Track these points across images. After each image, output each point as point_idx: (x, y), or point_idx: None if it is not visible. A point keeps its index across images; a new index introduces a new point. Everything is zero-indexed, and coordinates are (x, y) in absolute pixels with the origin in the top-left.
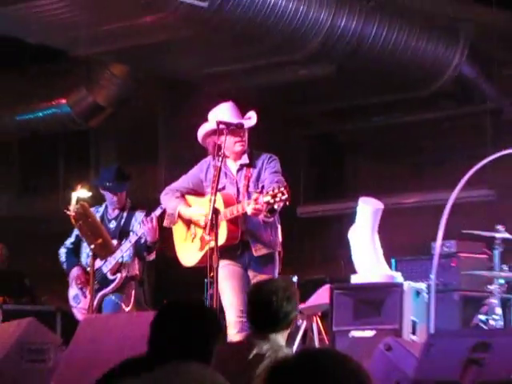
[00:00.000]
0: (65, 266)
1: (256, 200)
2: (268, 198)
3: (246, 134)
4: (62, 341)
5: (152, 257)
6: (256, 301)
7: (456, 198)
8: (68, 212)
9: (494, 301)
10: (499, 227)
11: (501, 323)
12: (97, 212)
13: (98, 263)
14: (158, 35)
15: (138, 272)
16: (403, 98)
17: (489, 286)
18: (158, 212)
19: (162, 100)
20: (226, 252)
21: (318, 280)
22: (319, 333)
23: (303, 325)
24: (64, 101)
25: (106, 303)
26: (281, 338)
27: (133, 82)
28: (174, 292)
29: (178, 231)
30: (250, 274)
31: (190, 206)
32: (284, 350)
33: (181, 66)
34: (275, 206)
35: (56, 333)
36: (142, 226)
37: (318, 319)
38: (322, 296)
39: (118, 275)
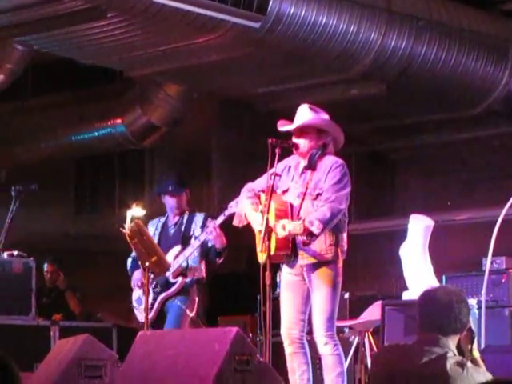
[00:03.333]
0: (129, 272)
1: (283, 226)
2: (290, 228)
3: (310, 136)
4: (118, 357)
5: (221, 260)
6: (433, 302)
7: (506, 215)
8: (123, 230)
9: None
10: None
11: None
12: (159, 222)
13: None
14: (210, 55)
15: (204, 275)
16: (453, 116)
17: None
18: (219, 220)
19: (215, 119)
20: (285, 258)
21: (369, 296)
22: (371, 349)
23: (355, 341)
24: (119, 121)
25: (170, 307)
26: (451, 342)
27: (186, 102)
28: (227, 307)
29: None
30: (306, 282)
31: (257, 210)
32: (455, 359)
33: (233, 86)
34: (296, 237)
35: (112, 349)
36: (205, 232)
37: (370, 335)
38: (373, 312)
39: (180, 279)
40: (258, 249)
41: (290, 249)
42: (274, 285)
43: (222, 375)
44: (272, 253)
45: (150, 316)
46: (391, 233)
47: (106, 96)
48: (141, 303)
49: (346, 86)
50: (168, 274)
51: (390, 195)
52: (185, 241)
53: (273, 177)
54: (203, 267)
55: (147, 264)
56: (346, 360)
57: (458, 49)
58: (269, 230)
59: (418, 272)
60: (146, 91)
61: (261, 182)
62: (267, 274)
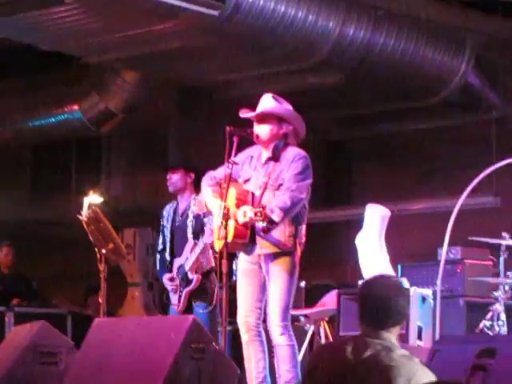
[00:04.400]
0: (159, 273)
1: (244, 213)
2: (251, 214)
3: (271, 125)
4: (73, 344)
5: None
6: (370, 296)
7: (462, 205)
8: (80, 217)
9: (499, 307)
10: (505, 234)
11: (505, 329)
12: (171, 206)
13: (181, 260)
14: (169, 43)
15: (213, 264)
16: (410, 106)
17: (494, 293)
18: (208, 240)
19: (172, 106)
20: (243, 246)
21: (325, 285)
22: (326, 337)
23: (310, 329)
24: (76, 107)
25: (195, 313)
26: (393, 336)
27: (144, 89)
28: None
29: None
30: (263, 272)
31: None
32: (398, 351)
33: (192, 73)
34: (256, 223)
35: (67, 336)
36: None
37: (325, 324)
38: (329, 301)
39: (195, 276)
40: (215, 237)
41: (248, 237)
42: (231, 273)
43: (177, 363)
44: (229, 240)
45: (179, 309)
46: (348, 222)
47: (63, 82)
48: (171, 301)
49: (305, 74)
50: (187, 268)
51: (347, 184)
52: (196, 235)
53: (230, 165)
54: (211, 256)
55: (104, 251)
56: (301, 348)
57: (416, 39)
58: (226, 218)
59: (374, 261)
60: (103, 78)
61: (222, 171)
62: (224, 261)
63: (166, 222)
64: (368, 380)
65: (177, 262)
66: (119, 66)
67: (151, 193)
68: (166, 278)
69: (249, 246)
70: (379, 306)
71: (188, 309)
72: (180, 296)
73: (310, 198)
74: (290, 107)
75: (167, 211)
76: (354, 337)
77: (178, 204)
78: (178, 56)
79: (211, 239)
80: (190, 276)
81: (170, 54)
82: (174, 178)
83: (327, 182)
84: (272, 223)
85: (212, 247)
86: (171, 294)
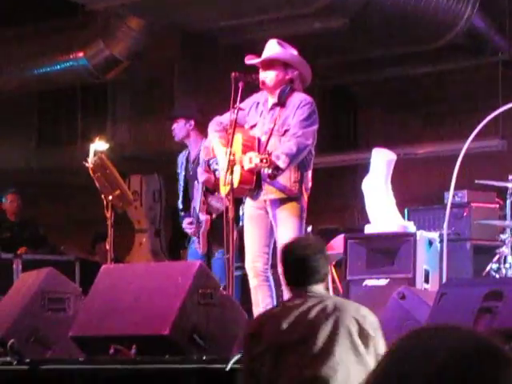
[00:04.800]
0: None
1: (250, 159)
2: (257, 161)
3: (277, 70)
4: (81, 290)
5: None
6: (292, 258)
7: (468, 149)
8: (86, 164)
9: (506, 250)
10: (511, 177)
11: None
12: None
13: (194, 203)
14: None
15: (219, 206)
16: (416, 50)
17: (501, 235)
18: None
19: (177, 53)
20: (248, 192)
21: (332, 230)
22: (333, 281)
23: None
24: (81, 54)
25: (213, 262)
26: (321, 288)
27: (149, 35)
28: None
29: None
30: (269, 217)
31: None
32: (333, 297)
33: (196, 19)
34: (262, 170)
35: (75, 282)
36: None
37: (333, 268)
38: (336, 245)
39: (205, 218)
40: (222, 182)
41: (253, 183)
42: (237, 218)
43: (185, 308)
44: (235, 186)
45: (201, 251)
46: (354, 166)
47: (67, 29)
48: (195, 243)
49: (309, 19)
50: (197, 209)
51: (352, 129)
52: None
53: (236, 111)
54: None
55: (110, 198)
56: None
57: None
58: (232, 164)
59: (381, 205)
60: (108, 24)
61: (228, 116)
62: (230, 207)
63: (181, 170)
64: (318, 328)
65: (193, 206)
66: (124, 13)
67: (157, 139)
68: (185, 222)
69: (255, 192)
70: (300, 266)
71: (210, 251)
72: (199, 238)
73: (316, 143)
74: (295, 52)
75: (181, 159)
76: (287, 301)
77: (189, 152)
78: (182, 2)
79: (203, 178)
80: (201, 217)
81: (173, 0)
82: (176, 128)
83: (333, 127)
84: (278, 169)
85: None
86: (195, 238)
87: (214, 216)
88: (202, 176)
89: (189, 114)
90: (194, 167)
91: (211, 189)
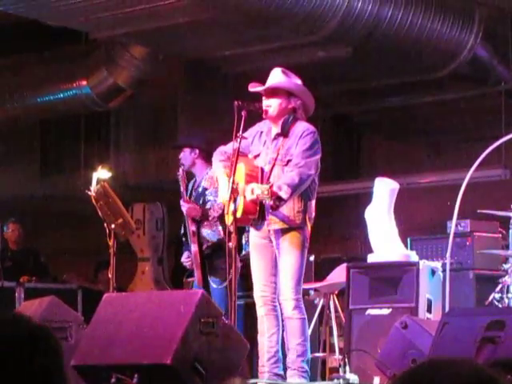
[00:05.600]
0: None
1: (252, 190)
2: (259, 192)
3: (280, 99)
4: (83, 319)
5: None
6: None
7: (471, 178)
8: (89, 192)
9: (509, 279)
10: None
11: None
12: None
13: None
14: (176, 17)
15: (221, 236)
16: (419, 79)
17: (503, 265)
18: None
19: (181, 81)
20: (252, 221)
21: (335, 259)
22: (336, 311)
23: (320, 303)
24: (85, 82)
25: (212, 280)
26: None
27: (152, 64)
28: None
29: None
30: (274, 246)
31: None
32: None
33: (199, 48)
34: (264, 201)
35: (77, 311)
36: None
37: (335, 297)
38: (339, 274)
39: (194, 249)
40: (225, 211)
41: (256, 213)
42: (240, 247)
43: (187, 337)
44: (239, 215)
45: (197, 283)
46: (357, 195)
47: (71, 57)
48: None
49: (312, 48)
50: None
51: (356, 158)
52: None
53: (239, 140)
54: (219, 228)
55: (113, 226)
56: (311, 322)
57: (424, 11)
58: (235, 193)
59: (383, 235)
60: (111, 53)
61: (231, 145)
62: (233, 236)
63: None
64: None
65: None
66: (127, 41)
67: (160, 168)
68: (184, 256)
69: (258, 222)
70: None
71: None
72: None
73: (320, 171)
74: (299, 81)
75: (189, 187)
76: None
77: (195, 180)
78: (185, 31)
79: (184, 208)
80: (192, 249)
81: (177, 29)
82: (182, 158)
83: (336, 156)
84: (280, 200)
85: (221, 221)
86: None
87: (204, 246)
88: (183, 207)
89: (193, 143)
90: (197, 194)
91: (198, 219)
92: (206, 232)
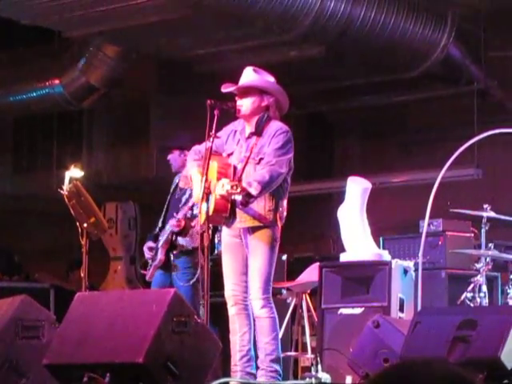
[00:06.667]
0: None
1: (222, 185)
2: (228, 187)
3: (253, 97)
4: (56, 318)
5: None
6: None
7: (443, 177)
8: (61, 191)
9: (480, 279)
10: (486, 206)
11: (487, 301)
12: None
13: (165, 232)
14: (149, 17)
15: (196, 245)
16: (391, 78)
17: (476, 264)
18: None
19: (153, 80)
20: (224, 220)
21: (307, 258)
22: (308, 310)
23: (292, 302)
24: (57, 81)
25: (178, 277)
26: None
27: (125, 63)
28: None
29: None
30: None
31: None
32: None
33: (172, 47)
34: (233, 197)
35: (49, 310)
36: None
37: (307, 297)
38: (311, 274)
39: (160, 257)
40: (199, 210)
41: (228, 211)
42: (213, 247)
43: (159, 336)
44: (211, 214)
45: (147, 278)
46: (330, 195)
47: (44, 56)
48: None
49: (286, 48)
50: (160, 244)
51: (328, 158)
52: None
53: (211, 139)
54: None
55: (85, 225)
56: (283, 321)
57: (396, 11)
58: (207, 192)
59: (356, 234)
60: (84, 52)
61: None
62: (205, 235)
63: (171, 191)
64: None
65: (162, 233)
66: (100, 41)
67: (133, 167)
68: (146, 245)
69: (229, 220)
70: None
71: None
72: (151, 266)
73: (292, 171)
74: (271, 79)
75: (174, 181)
76: None
77: (179, 179)
78: (158, 30)
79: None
80: (159, 253)
81: (150, 28)
82: (172, 159)
83: (309, 156)
84: (250, 196)
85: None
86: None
87: (177, 251)
88: (172, 221)
89: (183, 144)
90: (181, 195)
91: (178, 231)
92: (183, 240)
